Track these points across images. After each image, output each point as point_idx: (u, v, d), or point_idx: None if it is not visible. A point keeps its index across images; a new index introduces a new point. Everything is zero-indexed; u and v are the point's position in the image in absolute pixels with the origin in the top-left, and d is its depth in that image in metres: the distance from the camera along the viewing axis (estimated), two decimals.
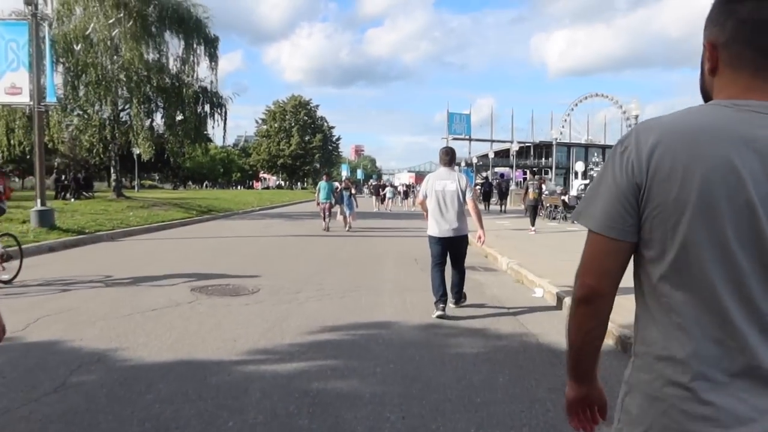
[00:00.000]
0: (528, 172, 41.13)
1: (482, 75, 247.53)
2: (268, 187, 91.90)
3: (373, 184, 71.63)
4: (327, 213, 17.20)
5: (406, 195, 37.64)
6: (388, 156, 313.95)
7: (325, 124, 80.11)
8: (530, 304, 7.40)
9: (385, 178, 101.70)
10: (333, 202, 17.52)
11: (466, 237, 6.69)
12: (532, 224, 16.94)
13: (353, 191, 18.61)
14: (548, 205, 23.20)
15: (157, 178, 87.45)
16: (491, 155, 57.90)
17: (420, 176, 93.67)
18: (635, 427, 1.18)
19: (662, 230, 1.12)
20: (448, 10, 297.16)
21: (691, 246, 1.09)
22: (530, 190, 17.79)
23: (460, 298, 6.91)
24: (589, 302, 1.23)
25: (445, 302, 6.42)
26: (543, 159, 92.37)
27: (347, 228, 17.51)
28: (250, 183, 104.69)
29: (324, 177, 18.07)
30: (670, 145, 1.11)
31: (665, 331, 1.14)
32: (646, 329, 1.20)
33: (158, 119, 27.27)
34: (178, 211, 22.68)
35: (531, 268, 9.56)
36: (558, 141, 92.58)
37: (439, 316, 6.24)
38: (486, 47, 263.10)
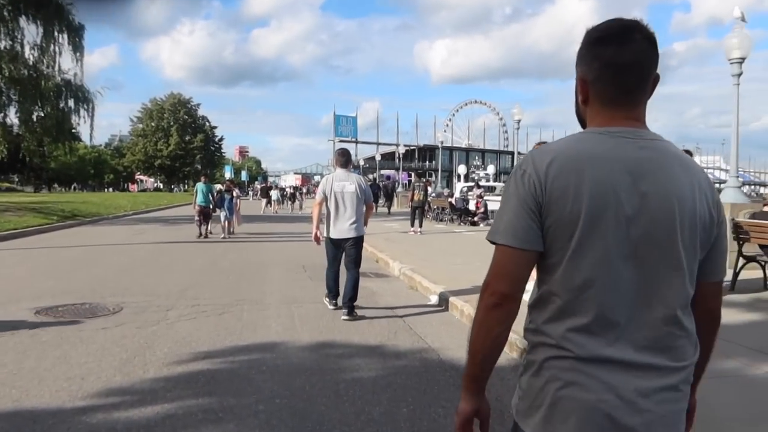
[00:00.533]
0: (414, 174, 41.60)
1: (368, 79, 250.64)
2: (145, 190, 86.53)
3: (260, 186, 69.49)
4: (204, 218, 15.64)
5: (293, 198, 35.47)
6: (274, 157, 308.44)
7: (207, 123, 76.30)
8: (427, 313, 6.98)
9: (271, 179, 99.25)
10: (212, 205, 15.99)
11: (362, 238, 6.75)
12: (412, 225, 17.35)
13: (235, 194, 17.17)
14: (435, 207, 23.30)
15: (17, 180, 79.40)
16: (378, 158, 58.11)
17: (306, 178, 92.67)
18: (526, 398, 1.36)
19: (561, 240, 1.29)
20: (335, 14, 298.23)
21: (583, 251, 1.28)
22: (416, 191, 18.02)
23: (353, 308, 6.51)
24: (501, 307, 1.32)
25: (337, 299, 6.75)
26: (427, 162, 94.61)
27: (227, 234, 15.93)
28: (126, 185, 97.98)
29: (201, 178, 16.46)
30: (562, 169, 1.29)
31: (552, 320, 1.32)
32: (537, 318, 1.36)
33: (12, 114, 24.29)
34: (36, 217, 20.25)
35: (424, 273, 9.19)
36: (441, 144, 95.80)
37: (334, 307, 6.69)
38: (372, 52, 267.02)
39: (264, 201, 35.18)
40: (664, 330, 1.29)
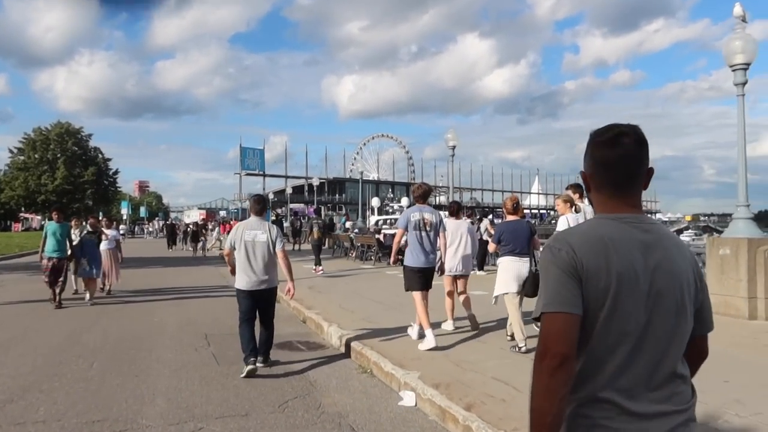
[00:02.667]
0: (314, 210, 39.17)
1: (276, 113, 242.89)
2: (29, 229, 77.78)
3: (162, 222, 63.76)
4: (56, 276, 10.45)
5: (195, 237, 28.00)
6: (177, 192, 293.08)
7: (100, 155, 69.20)
8: (404, 427, 4.42)
9: (173, 215, 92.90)
10: (74, 254, 10.89)
11: (275, 289, 6.36)
12: (317, 264, 16.04)
13: (107, 236, 12.08)
14: (359, 244, 20.80)
15: None
16: (289, 191, 55.05)
17: (211, 213, 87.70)
18: None
19: (593, 309, 1.51)
20: (244, 48, 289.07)
21: (611, 319, 1.50)
22: (315, 229, 17.28)
23: (268, 357, 6.28)
24: (563, 368, 1.47)
25: (256, 357, 5.96)
26: (337, 195, 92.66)
27: (90, 298, 10.87)
28: (8, 224, 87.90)
29: (54, 215, 11.25)
30: (591, 251, 1.54)
31: (595, 378, 1.52)
32: (582, 378, 1.52)
33: None
34: None
35: (378, 344, 6.67)
36: (351, 178, 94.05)
37: (249, 373, 5.77)
38: (280, 86, 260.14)
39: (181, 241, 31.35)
40: (671, 381, 1.55)
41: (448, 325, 7.58)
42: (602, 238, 1.54)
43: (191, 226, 30.83)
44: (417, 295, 6.80)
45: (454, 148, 17.49)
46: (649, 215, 1.71)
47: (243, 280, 6.07)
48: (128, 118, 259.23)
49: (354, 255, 20.96)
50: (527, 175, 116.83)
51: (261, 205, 6.48)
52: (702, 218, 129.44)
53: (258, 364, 5.93)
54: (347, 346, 7.01)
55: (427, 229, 6.77)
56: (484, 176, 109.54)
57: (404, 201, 62.86)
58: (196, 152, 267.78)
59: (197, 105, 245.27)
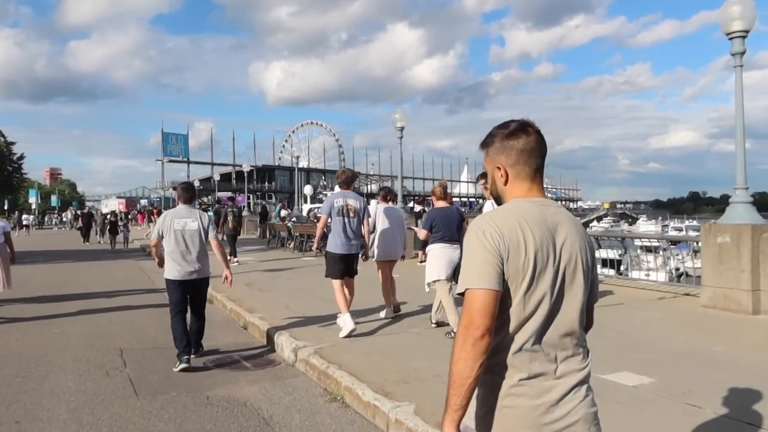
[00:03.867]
0: (227, 198, 36.62)
1: (201, 98, 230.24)
2: None
3: (75, 212, 59.27)
4: None
5: (113, 228, 24.03)
6: (93, 180, 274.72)
7: (2, 139, 63.79)
8: None
9: (89, 204, 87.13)
10: None
11: (207, 279, 6.18)
12: (234, 255, 15.06)
13: None
14: (298, 234, 19.19)
15: None
16: (216, 178, 52.26)
17: (131, 202, 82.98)
18: (483, 407, 1.70)
19: (516, 284, 1.64)
20: (166, 30, 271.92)
21: (529, 292, 1.65)
22: (230, 218, 15.94)
23: (198, 347, 6.11)
24: (484, 339, 1.59)
25: (189, 353, 5.72)
26: (266, 183, 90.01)
27: None
28: None
29: None
30: (511, 231, 1.67)
31: (513, 343, 1.65)
32: (502, 343, 1.66)
33: None
34: None
35: (347, 361, 5.27)
36: (280, 165, 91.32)
37: (183, 369, 5.58)
38: (205, 71, 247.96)
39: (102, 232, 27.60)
40: (574, 343, 1.72)
41: (387, 312, 7.50)
42: (521, 218, 1.69)
43: (110, 216, 27.76)
44: (336, 282, 6.65)
45: (402, 129, 16.17)
46: (558, 201, 2.04)
47: (174, 270, 5.93)
48: (38, 101, 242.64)
49: (292, 246, 19.37)
50: (456, 164, 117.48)
51: (189, 193, 6.36)
52: (618, 206, 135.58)
53: (190, 360, 5.70)
54: (306, 363, 5.59)
55: (351, 215, 6.71)
56: (415, 165, 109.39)
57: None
58: (115, 138, 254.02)
59: (116, 88, 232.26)
